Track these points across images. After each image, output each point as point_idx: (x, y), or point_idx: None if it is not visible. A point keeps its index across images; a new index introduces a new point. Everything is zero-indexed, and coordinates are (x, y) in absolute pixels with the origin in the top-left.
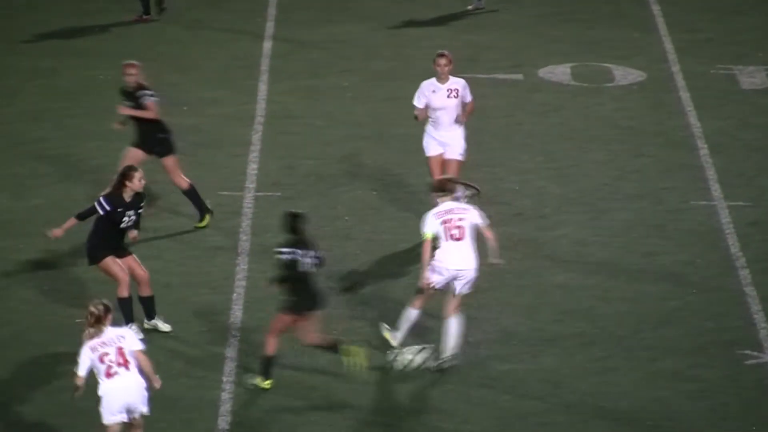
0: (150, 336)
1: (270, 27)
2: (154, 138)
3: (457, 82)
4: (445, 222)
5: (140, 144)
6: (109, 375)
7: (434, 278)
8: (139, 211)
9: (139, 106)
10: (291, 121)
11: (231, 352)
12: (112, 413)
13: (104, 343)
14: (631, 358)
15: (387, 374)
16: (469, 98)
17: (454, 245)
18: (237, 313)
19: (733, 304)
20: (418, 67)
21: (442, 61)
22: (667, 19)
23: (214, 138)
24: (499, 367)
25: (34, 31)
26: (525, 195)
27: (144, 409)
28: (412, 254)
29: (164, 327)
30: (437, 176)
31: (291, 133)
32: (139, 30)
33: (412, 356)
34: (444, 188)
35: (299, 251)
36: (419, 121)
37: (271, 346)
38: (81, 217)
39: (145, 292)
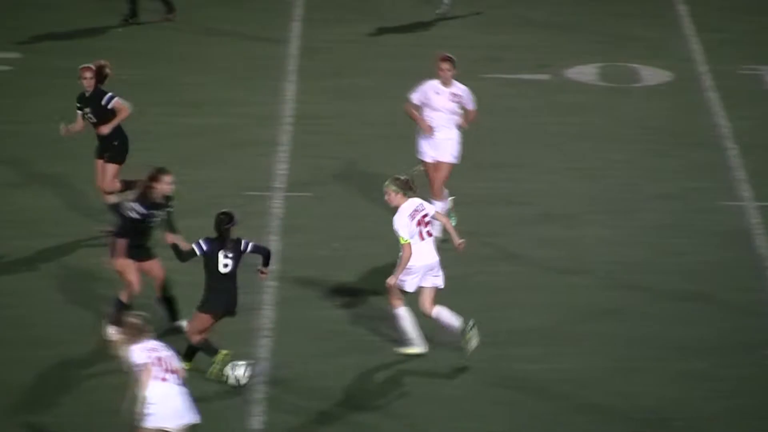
0: (178, 337)
1: (293, 27)
2: (110, 145)
3: (460, 89)
4: (419, 223)
5: (102, 153)
6: (159, 379)
7: (408, 280)
8: (169, 210)
9: (101, 110)
10: (317, 120)
11: (263, 352)
12: (163, 418)
13: (154, 348)
14: (655, 358)
15: (411, 376)
16: (470, 106)
17: (426, 242)
18: (268, 313)
19: (762, 304)
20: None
21: (446, 65)
22: (695, 19)
23: (238, 138)
24: (520, 367)
25: (55, 31)
26: (550, 195)
27: (197, 417)
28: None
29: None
30: (435, 184)
31: (317, 133)
32: (158, 30)
33: (242, 371)
34: (412, 187)
35: (217, 251)
36: (407, 114)
37: (196, 338)
38: (122, 233)
39: (167, 293)
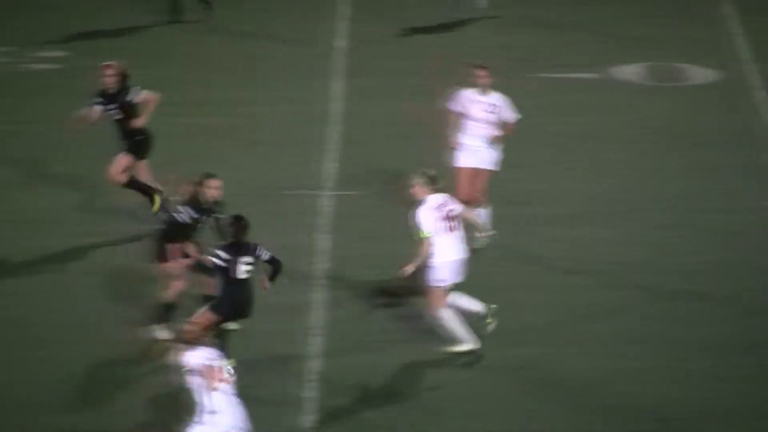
0: (229, 335)
1: (328, 27)
2: (132, 140)
3: (498, 99)
4: (443, 217)
5: (126, 149)
6: (212, 388)
7: (443, 278)
8: (217, 216)
9: (128, 106)
10: (357, 119)
11: (314, 351)
12: (215, 427)
13: (209, 356)
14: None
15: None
16: (509, 116)
17: (452, 237)
18: (319, 312)
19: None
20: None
21: (481, 73)
22: (742, 19)
23: (283, 136)
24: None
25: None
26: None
27: (249, 427)
28: (479, 254)
29: (231, 325)
30: (464, 189)
31: (357, 132)
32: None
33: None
34: (437, 181)
35: (236, 258)
36: (444, 124)
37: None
38: (171, 237)
39: (209, 291)
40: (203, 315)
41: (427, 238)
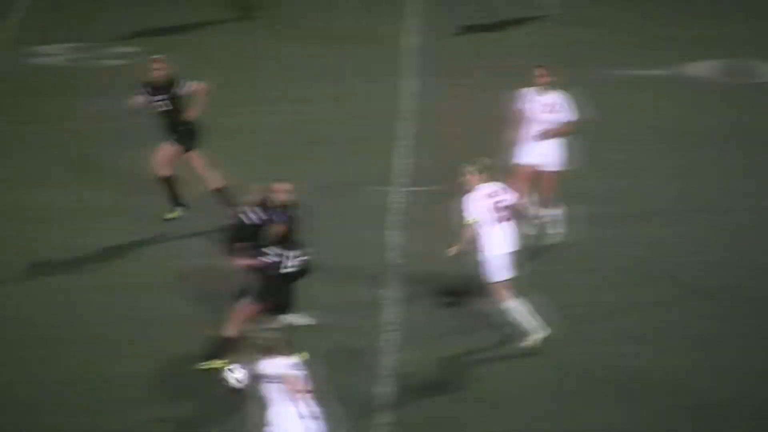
0: (302, 331)
1: (399, 25)
2: (179, 132)
3: (557, 98)
4: (493, 207)
5: (175, 140)
6: (291, 399)
7: (497, 270)
8: (284, 219)
9: (177, 97)
10: (434, 116)
11: (387, 347)
12: None
13: (289, 365)
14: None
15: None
16: (568, 115)
17: (502, 228)
18: (391, 308)
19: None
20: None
21: (539, 71)
22: None
23: (355, 133)
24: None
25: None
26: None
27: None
28: (550, 251)
29: (304, 320)
30: (521, 187)
31: (429, 130)
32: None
33: (239, 374)
34: (490, 171)
35: (286, 253)
36: (509, 122)
37: (233, 330)
38: (242, 237)
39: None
40: (246, 307)
41: (471, 225)
